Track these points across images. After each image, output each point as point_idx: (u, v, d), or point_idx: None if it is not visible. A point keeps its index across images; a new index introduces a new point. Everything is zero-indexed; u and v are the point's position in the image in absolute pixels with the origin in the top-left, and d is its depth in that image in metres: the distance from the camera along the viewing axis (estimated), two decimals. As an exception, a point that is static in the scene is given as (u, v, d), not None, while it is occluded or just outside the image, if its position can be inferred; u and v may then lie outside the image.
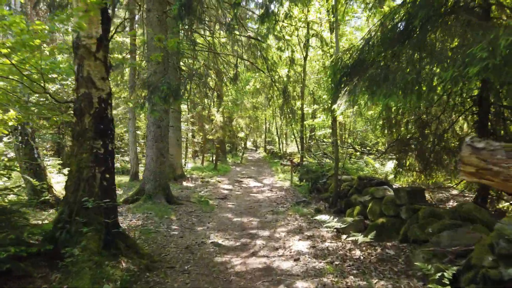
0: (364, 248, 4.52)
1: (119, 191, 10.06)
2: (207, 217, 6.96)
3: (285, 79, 11.11)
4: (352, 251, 4.49)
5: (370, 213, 5.49)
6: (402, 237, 4.58)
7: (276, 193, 10.64)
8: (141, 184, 7.81)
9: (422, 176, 6.11)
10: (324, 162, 11.43)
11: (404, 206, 4.81)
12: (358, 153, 12.77)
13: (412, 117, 5.73)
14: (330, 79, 5.07)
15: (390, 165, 9.19)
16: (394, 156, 11.47)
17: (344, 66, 4.91)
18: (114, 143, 4.05)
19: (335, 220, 5.44)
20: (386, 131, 5.99)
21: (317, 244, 4.90)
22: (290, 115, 8.72)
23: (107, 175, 3.90)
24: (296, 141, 26.62)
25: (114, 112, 16.39)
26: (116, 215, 4.01)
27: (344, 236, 5.00)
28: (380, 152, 12.65)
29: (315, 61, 15.14)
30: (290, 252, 4.63)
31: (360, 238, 4.49)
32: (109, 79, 4.12)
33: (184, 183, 12.40)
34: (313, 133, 18.98)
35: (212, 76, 13.76)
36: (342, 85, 4.71)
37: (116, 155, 16.79)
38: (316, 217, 5.70)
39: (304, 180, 11.08)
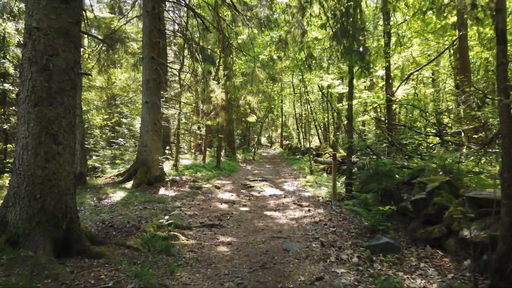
0: None
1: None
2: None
3: None
4: None
5: None
6: None
7: (309, 211, 5.97)
8: (0, 208, 3.23)
9: None
10: (392, 159, 6.67)
11: None
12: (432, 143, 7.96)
13: None
14: None
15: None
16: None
17: None
18: None
19: None
20: None
21: None
22: (356, 49, 3.95)
23: None
24: (317, 133, 21.81)
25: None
26: None
27: None
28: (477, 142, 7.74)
29: None
30: None
31: None
32: None
33: (162, 191, 7.88)
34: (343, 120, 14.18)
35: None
36: None
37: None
38: None
39: (353, 188, 6.31)
